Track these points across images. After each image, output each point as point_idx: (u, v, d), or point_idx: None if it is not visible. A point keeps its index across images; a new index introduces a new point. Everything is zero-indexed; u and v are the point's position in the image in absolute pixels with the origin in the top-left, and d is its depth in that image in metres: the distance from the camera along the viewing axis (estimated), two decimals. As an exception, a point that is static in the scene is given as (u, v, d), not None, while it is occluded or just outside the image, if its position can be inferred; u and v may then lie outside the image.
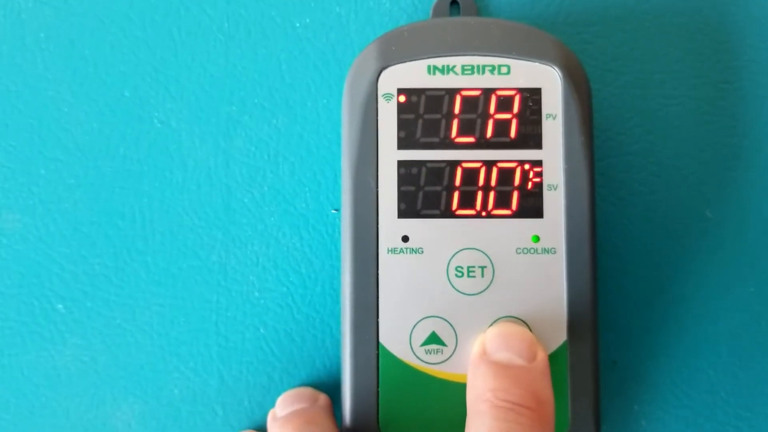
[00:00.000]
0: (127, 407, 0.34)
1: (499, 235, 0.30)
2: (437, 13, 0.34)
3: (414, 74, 0.30)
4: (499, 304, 0.30)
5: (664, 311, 0.34)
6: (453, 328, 0.30)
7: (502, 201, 0.30)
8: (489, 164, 0.30)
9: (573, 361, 0.30)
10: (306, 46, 0.35)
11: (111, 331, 0.34)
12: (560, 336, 0.30)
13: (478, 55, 0.30)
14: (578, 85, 0.30)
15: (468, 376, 0.28)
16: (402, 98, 0.30)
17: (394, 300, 0.30)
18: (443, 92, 0.30)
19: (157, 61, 0.35)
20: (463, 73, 0.30)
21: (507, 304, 0.30)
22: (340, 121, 0.31)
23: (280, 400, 0.32)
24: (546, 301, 0.30)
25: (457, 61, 0.30)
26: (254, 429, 0.34)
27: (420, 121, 0.30)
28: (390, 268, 0.30)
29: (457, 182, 0.30)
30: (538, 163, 0.30)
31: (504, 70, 0.30)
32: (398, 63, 0.30)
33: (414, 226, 0.30)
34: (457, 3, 0.34)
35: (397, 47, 0.30)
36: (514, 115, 0.30)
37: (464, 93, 0.30)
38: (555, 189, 0.30)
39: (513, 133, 0.30)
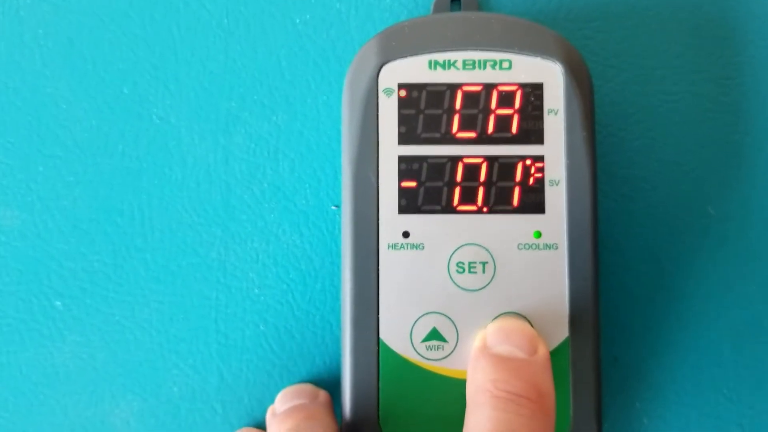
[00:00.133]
0: (125, 405, 0.34)
1: (501, 230, 0.30)
2: (438, 8, 0.34)
3: (415, 69, 0.30)
4: (500, 300, 0.30)
5: (666, 308, 0.34)
6: (454, 324, 0.30)
7: (504, 196, 0.30)
8: (490, 160, 0.30)
9: (574, 357, 0.30)
10: (306, 43, 0.35)
11: (110, 328, 0.34)
12: (562, 332, 0.30)
13: (480, 50, 0.30)
14: (580, 80, 0.30)
15: (468, 370, 0.28)
16: (403, 93, 0.30)
17: (394, 296, 0.30)
18: (444, 87, 0.30)
19: (156, 58, 0.35)
20: (464, 68, 0.30)
21: (508, 300, 0.30)
22: (341, 117, 0.31)
23: (279, 397, 0.32)
24: (547, 298, 0.30)
25: (458, 56, 0.30)
26: (254, 426, 0.33)
27: (421, 117, 0.30)
28: (390, 264, 0.30)
29: (459, 178, 0.30)
30: (540, 158, 0.30)
31: (505, 65, 0.30)
32: (399, 58, 0.30)
33: (415, 221, 0.30)
34: (458, -1, 0.34)
35: (397, 42, 0.30)
36: (516, 111, 0.30)
37: (465, 88, 0.30)
38: (557, 184, 0.30)
39: (514, 129, 0.30)
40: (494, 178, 0.30)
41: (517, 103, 0.30)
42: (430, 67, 0.30)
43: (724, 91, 0.34)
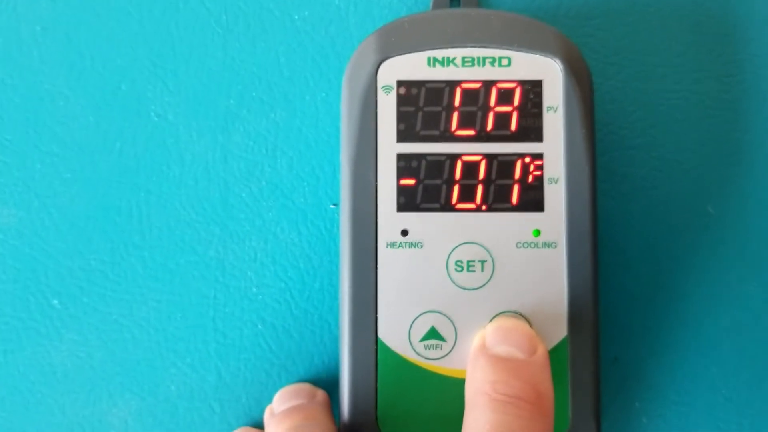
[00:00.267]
0: (123, 403, 0.34)
1: (500, 229, 0.30)
2: (437, 4, 0.33)
3: (414, 66, 0.30)
4: (499, 298, 0.30)
5: (666, 307, 0.34)
6: (452, 323, 0.30)
7: (503, 195, 0.30)
8: (489, 157, 0.30)
9: (573, 356, 0.29)
10: (305, 39, 0.34)
11: (107, 326, 0.34)
12: (561, 331, 0.29)
13: (479, 47, 0.30)
14: (580, 78, 0.30)
15: (467, 370, 0.28)
16: (402, 90, 0.30)
17: (393, 295, 0.30)
18: (443, 84, 0.30)
19: (154, 55, 0.34)
20: (463, 65, 0.30)
21: (507, 298, 0.30)
22: (339, 115, 0.31)
23: (277, 396, 0.32)
24: (546, 296, 0.30)
25: (458, 53, 0.30)
26: (252, 425, 0.33)
27: (420, 114, 0.30)
28: (389, 263, 0.30)
29: (457, 176, 0.30)
30: (539, 156, 0.30)
31: (505, 62, 0.30)
32: (398, 55, 0.30)
33: (413, 220, 0.30)
34: (458, -5, 0.33)
35: (396, 39, 0.30)
36: (515, 108, 0.30)
37: (464, 85, 0.30)
38: (556, 182, 0.30)
39: (514, 126, 0.30)
40: (493, 176, 0.30)
41: (517, 101, 0.30)
42: (429, 64, 0.30)
43: (725, 89, 0.34)
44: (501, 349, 0.28)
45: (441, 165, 0.30)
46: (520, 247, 0.30)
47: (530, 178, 0.30)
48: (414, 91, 0.30)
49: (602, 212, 0.33)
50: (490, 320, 0.29)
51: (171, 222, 0.34)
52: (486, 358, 0.27)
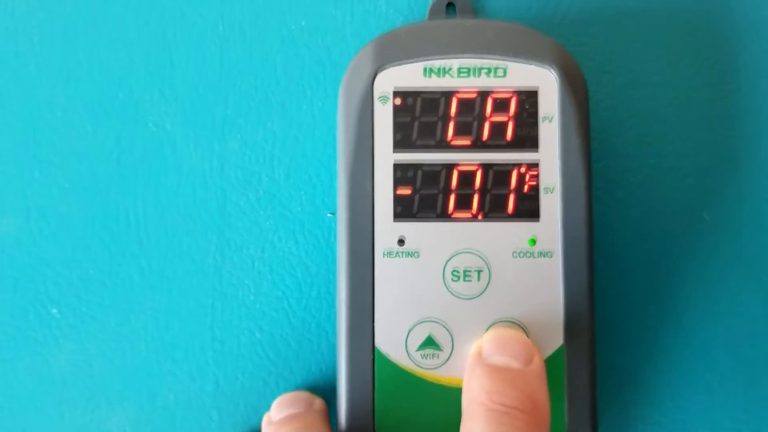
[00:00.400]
0: (121, 412, 0.34)
1: (496, 238, 0.30)
2: (433, 14, 0.34)
3: (410, 76, 0.30)
4: (495, 307, 0.30)
5: (662, 314, 0.34)
6: (449, 332, 0.30)
7: (499, 203, 0.30)
8: (485, 166, 0.30)
9: (570, 364, 0.30)
10: (301, 49, 0.35)
11: (105, 335, 0.34)
12: (557, 340, 0.30)
13: (475, 57, 0.30)
14: (575, 87, 0.30)
15: (464, 379, 0.28)
16: (398, 100, 0.30)
17: (389, 304, 0.30)
18: (439, 94, 0.30)
19: (151, 64, 0.35)
20: (459, 75, 0.30)
21: (503, 307, 0.30)
22: (336, 124, 0.31)
23: (275, 405, 0.32)
24: (543, 305, 0.30)
25: (454, 62, 0.30)
26: (250, 434, 0.34)
27: (416, 123, 0.30)
28: (386, 272, 0.30)
29: (454, 185, 0.30)
30: (535, 165, 0.30)
31: (500, 71, 0.30)
32: (394, 65, 0.30)
33: (410, 229, 0.30)
34: (454, 4, 0.34)
35: (393, 49, 0.30)
36: (511, 117, 0.30)
37: (460, 95, 0.30)
38: (552, 191, 0.30)
39: (509, 135, 0.30)
40: (489, 185, 0.30)
41: (512, 110, 0.30)
42: (425, 73, 0.30)
43: (720, 96, 0.34)
44: (497, 358, 0.28)
45: (437, 174, 0.30)
46: (517, 256, 0.30)
47: (526, 187, 0.30)
48: (410, 100, 0.30)
49: (598, 220, 0.34)
50: (487, 329, 0.30)
51: (168, 231, 0.34)
52: (482, 368, 0.27)
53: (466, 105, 0.30)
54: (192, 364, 0.34)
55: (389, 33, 0.31)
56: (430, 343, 0.30)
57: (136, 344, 0.34)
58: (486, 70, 0.30)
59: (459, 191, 0.30)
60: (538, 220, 0.30)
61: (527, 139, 0.30)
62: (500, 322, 0.30)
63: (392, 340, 0.30)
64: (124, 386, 0.34)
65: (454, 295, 0.30)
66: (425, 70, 0.30)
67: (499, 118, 0.30)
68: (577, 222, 0.30)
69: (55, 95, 0.35)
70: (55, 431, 0.34)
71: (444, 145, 0.30)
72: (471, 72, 0.30)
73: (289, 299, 0.34)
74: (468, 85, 0.30)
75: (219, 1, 0.35)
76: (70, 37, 0.35)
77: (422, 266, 0.30)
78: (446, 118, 0.30)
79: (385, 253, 0.30)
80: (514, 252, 0.30)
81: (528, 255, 0.30)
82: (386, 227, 0.30)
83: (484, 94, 0.30)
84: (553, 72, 0.30)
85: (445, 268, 0.30)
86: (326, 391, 0.33)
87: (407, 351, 0.30)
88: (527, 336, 0.29)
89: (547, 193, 0.30)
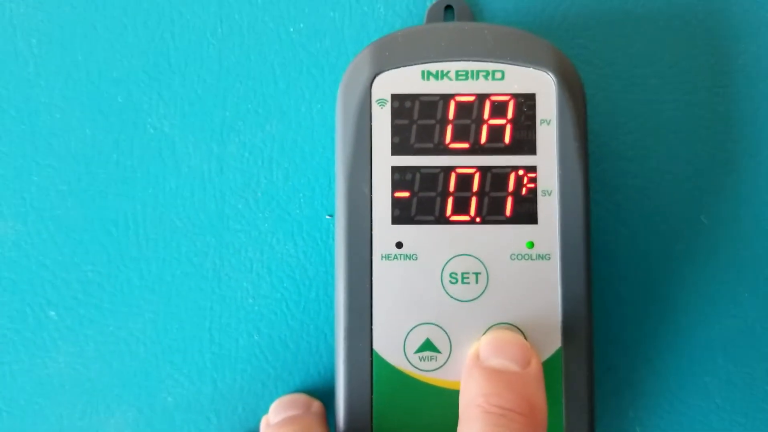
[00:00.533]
0: (120, 415, 0.34)
1: (494, 241, 0.30)
2: (431, 17, 0.34)
3: (408, 80, 0.30)
4: (493, 310, 0.30)
5: (659, 317, 0.34)
6: (447, 335, 0.30)
7: (497, 207, 0.30)
8: (483, 170, 0.30)
9: (567, 367, 0.30)
10: (300, 52, 0.35)
11: (104, 338, 0.34)
12: (555, 342, 0.30)
13: (473, 61, 0.30)
14: (573, 91, 0.30)
15: (461, 382, 0.28)
16: (396, 104, 0.30)
17: (388, 306, 0.30)
18: (437, 98, 0.30)
19: (150, 67, 0.35)
20: (457, 79, 0.30)
21: (501, 310, 0.30)
22: (334, 127, 0.31)
23: (273, 407, 0.32)
24: (540, 308, 0.30)
25: (452, 66, 0.30)
26: (248, 436, 0.34)
27: (414, 127, 0.30)
28: (384, 275, 0.30)
29: (452, 188, 0.30)
30: (533, 168, 0.30)
31: (498, 75, 0.30)
32: (392, 68, 0.30)
33: (408, 232, 0.30)
34: (452, 8, 0.34)
35: (390, 53, 0.30)
36: (509, 121, 0.30)
37: (458, 98, 0.30)
38: (549, 195, 0.30)
39: (507, 139, 0.30)
40: (487, 189, 0.30)
41: (510, 114, 0.30)
42: (423, 77, 0.30)
43: (717, 99, 0.35)
44: (495, 361, 0.28)
45: (435, 177, 0.30)
46: (514, 259, 0.30)
47: (524, 191, 0.30)
48: (408, 104, 0.30)
49: (596, 223, 0.34)
50: (485, 332, 0.30)
51: (167, 233, 0.34)
52: (480, 371, 0.27)
53: (464, 109, 0.30)
54: (190, 366, 0.34)
55: (387, 37, 0.31)
56: (428, 346, 0.30)
57: (134, 347, 0.34)
58: (484, 74, 0.30)
59: (457, 194, 0.30)
60: (536, 223, 0.30)
61: (525, 142, 0.30)
62: (498, 325, 0.30)
63: (390, 343, 0.30)
64: (122, 389, 0.34)
65: (452, 298, 0.30)
66: (423, 73, 0.30)
67: (497, 121, 0.30)
68: (574, 225, 0.30)
69: (54, 97, 0.35)
70: (54, 434, 0.34)
71: (442, 149, 0.30)
72: (469, 76, 0.30)
73: (288, 301, 0.34)
74: (466, 89, 0.30)
75: (217, 3, 0.35)
76: (68, 40, 0.35)
77: (420, 269, 0.30)
78: (444, 121, 0.30)
79: (383, 256, 0.30)
80: (512, 255, 0.30)
81: (526, 258, 0.30)
82: (384, 230, 0.30)
83: (482, 98, 0.30)
84: (551, 76, 0.30)
85: (443, 271, 0.30)
86: (324, 394, 0.33)
87: (405, 354, 0.30)
88: (525, 338, 0.29)
89: (544, 196, 0.30)
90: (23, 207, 0.34)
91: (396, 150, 0.30)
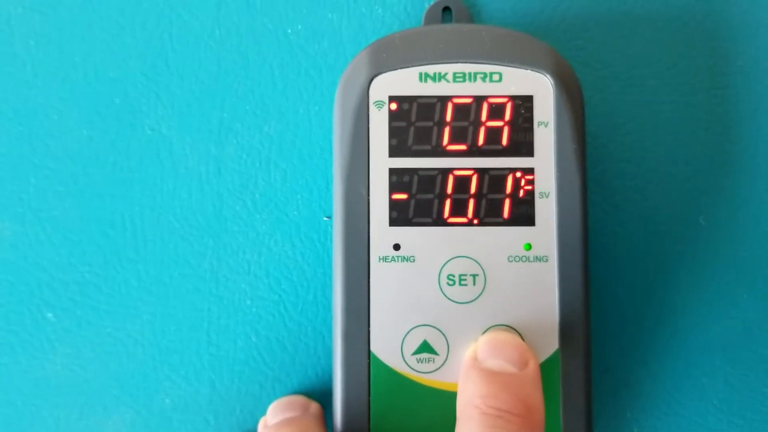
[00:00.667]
0: (117, 416, 0.34)
1: (491, 243, 0.30)
2: (429, 19, 0.34)
3: (405, 82, 0.30)
4: (491, 312, 0.30)
5: (657, 319, 0.34)
6: (445, 337, 0.30)
7: (494, 209, 0.30)
8: (481, 172, 0.30)
9: (565, 369, 0.30)
10: (298, 53, 0.35)
11: (101, 339, 0.34)
12: (552, 344, 0.30)
13: (470, 63, 0.30)
14: (570, 93, 0.30)
15: (459, 383, 0.28)
16: (393, 106, 0.30)
17: (385, 308, 0.30)
18: (435, 100, 0.30)
19: (147, 68, 0.35)
20: (454, 81, 0.30)
21: (499, 312, 0.30)
22: (332, 128, 0.31)
23: (271, 408, 0.32)
24: (538, 310, 0.30)
25: (449, 68, 0.30)
26: (245, 438, 0.34)
27: (411, 129, 0.30)
28: (381, 277, 0.30)
29: (449, 190, 0.30)
30: (530, 170, 0.30)
31: (496, 77, 0.30)
32: (390, 70, 0.30)
33: (405, 234, 0.30)
34: (450, 9, 0.34)
35: (388, 54, 0.30)
36: (506, 123, 0.30)
37: (456, 100, 0.30)
38: (547, 196, 0.30)
39: (505, 141, 0.30)
40: (484, 191, 0.30)
41: (508, 116, 0.30)
42: (420, 79, 0.30)
43: (716, 101, 0.35)
44: (492, 362, 0.28)
45: (433, 179, 0.30)
46: (512, 261, 0.30)
47: (521, 193, 0.30)
48: (406, 106, 0.30)
49: (593, 224, 0.34)
50: (482, 334, 0.30)
51: (165, 235, 0.34)
52: (477, 372, 0.27)
53: (461, 111, 0.30)
54: (188, 368, 0.34)
55: (385, 38, 0.31)
56: (425, 347, 0.30)
57: (132, 348, 0.34)
58: (481, 76, 0.30)
59: (454, 196, 0.30)
60: (533, 225, 0.30)
61: (523, 144, 0.30)
62: (496, 326, 0.30)
63: (388, 345, 0.30)
64: (119, 390, 0.34)
65: (449, 299, 0.30)
66: (421, 75, 0.30)
67: (494, 123, 0.30)
68: (572, 227, 0.30)
69: (51, 99, 0.35)
70: (51, 435, 0.34)
71: (439, 151, 0.30)
72: (466, 78, 0.30)
73: (286, 303, 0.34)
74: (463, 91, 0.30)
75: (215, 5, 0.35)
76: (66, 41, 0.35)
77: (418, 271, 0.30)
78: (442, 123, 0.30)
79: (381, 258, 0.30)
80: (509, 257, 0.30)
81: (523, 260, 0.30)
82: (382, 232, 0.30)
83: (479, 100, 0.30)
84: (549, 77, 0.30)
85: (440, 272, 0.30)
86: (322, 395, 0.33)
87: (403, 355, 0.30)
88: (522, 340, 0.29)
89: (542, 198, 0.30)
90: (20, 208, 0.34)
91: (393, 152, 0.30)
